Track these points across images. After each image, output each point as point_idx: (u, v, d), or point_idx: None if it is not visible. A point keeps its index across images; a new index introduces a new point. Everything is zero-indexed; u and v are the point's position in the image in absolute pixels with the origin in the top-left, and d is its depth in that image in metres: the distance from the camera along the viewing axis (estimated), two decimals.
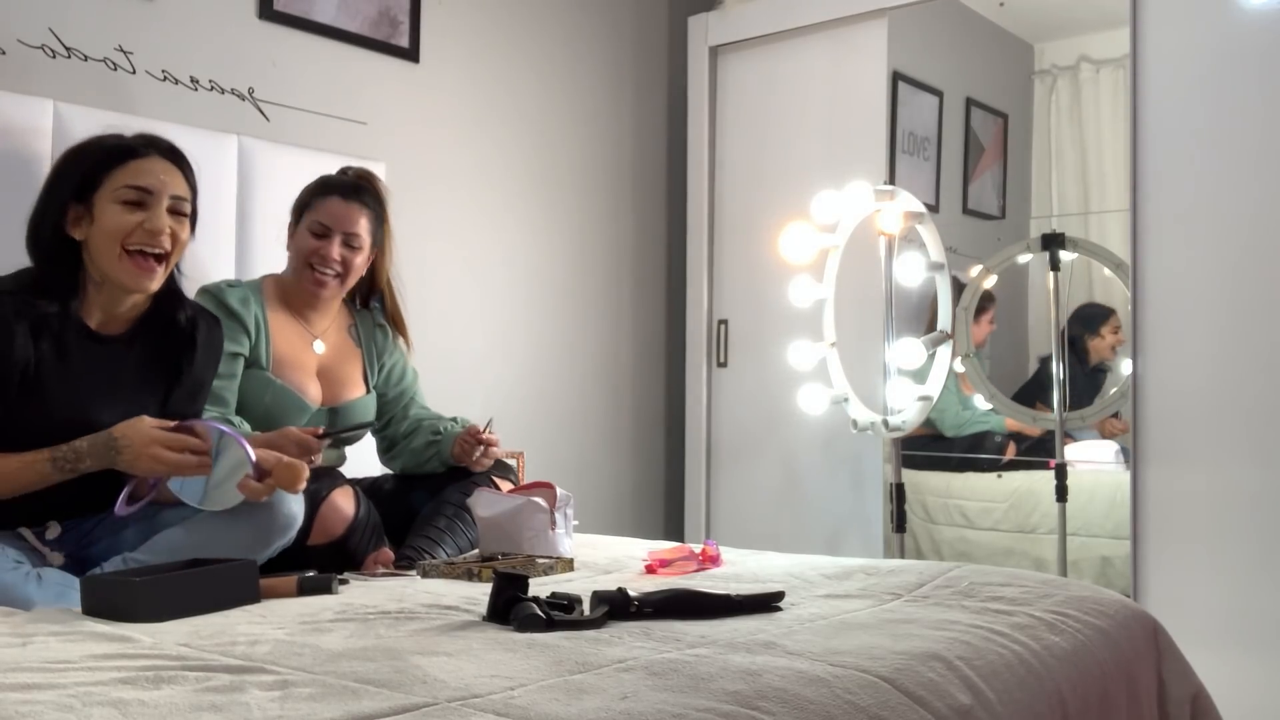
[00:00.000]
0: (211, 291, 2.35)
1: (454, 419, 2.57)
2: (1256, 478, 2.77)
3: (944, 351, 3.09)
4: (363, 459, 2.65)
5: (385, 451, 2.61)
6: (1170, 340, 2.90)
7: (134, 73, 2.63)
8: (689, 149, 3.86)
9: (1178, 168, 2.90)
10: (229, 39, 2.81)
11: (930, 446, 3.50)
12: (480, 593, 1.79)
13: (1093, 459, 3.26)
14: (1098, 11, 3.27)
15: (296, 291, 2.45)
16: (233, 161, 2.68)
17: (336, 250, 2.41)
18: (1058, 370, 3.30)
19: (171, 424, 1.88)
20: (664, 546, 2.33)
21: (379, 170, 2.93)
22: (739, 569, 2.15)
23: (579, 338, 3.70)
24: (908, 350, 3.09)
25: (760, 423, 3.67)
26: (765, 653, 1.44)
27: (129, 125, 2.47)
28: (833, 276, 3.31)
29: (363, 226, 2.45)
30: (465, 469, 2.50)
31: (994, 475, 3.47)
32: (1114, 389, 3.23)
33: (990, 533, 3.45)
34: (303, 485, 1.95)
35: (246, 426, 2.27)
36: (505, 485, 2.48)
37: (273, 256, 2.62)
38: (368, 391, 2.53)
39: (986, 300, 3.47)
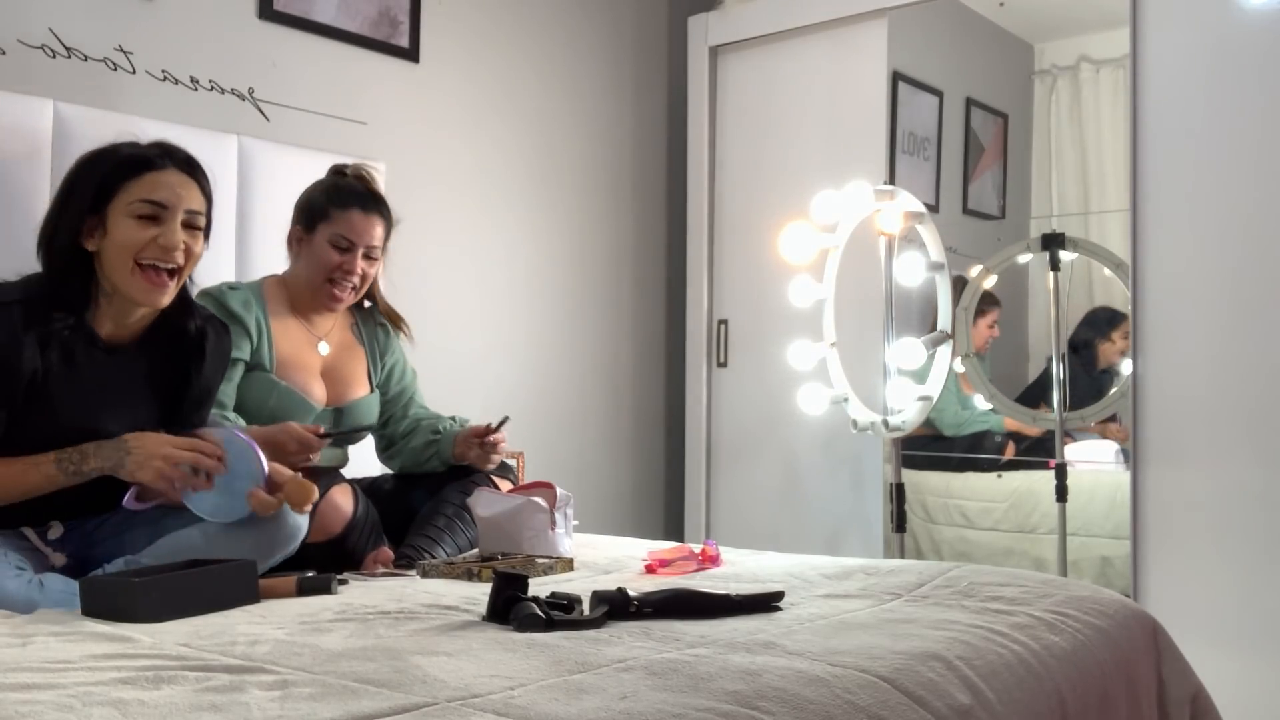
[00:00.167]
0: (213, 294, 2.33)
1: (453, 418, 2.57)
2: (1257, 478, 2.77)
3: (944, 351, 3.09)
4: (363, 458, 2.65)
5: (384, 450, 2.61)
6: (1170, 340, 2.90)
7: (134, 73, 2.63)
8: (689, 149, 3.86)
9: (1178, 168, 2.90)
10: (229, 39, 2.81)
11: (930, 446, 3.50)
12: (480, 593, 1.79)
13: (1093, 459, 3.26)
14: (1098, 11, 3.27)
15: (305, 296, 2.44)
16: (233, 161, 2.68)
17: (359, 264, 2.42)
18: (1058, 370, 3.30)
19: (180, 441, 1.88)
20: (664, 546, 2.33)
21: (379, 170, 2.93)
22: (739, 569, 2.15)
23: (579, 338, 3.70)
24: (908, 350, 3.10)
25: (760, 423, 3.67)
26: (765, 653, 1.44)
27: (129, 125, 2.48)
28: (833, 276, 3.31)
29: (379, 236, 2.45)
30: (465, 468, 2.49)
31: (994, 475, 3.47)
32: (1114, 389, 3.22)
33: (990, 533, 3.45)
34: (310, 506, 1.96)
35: (241, 422, 2.27)
36: (505, 485, 2.48)
37: (272, 256, 2.62)
38: (372, 390, 2.53)
39: (989, 304, 3.46)
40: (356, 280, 2.43)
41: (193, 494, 1.88)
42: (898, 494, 3.20)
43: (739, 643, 1.50)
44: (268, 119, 2.87)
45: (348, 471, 2.47)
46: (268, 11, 2.87)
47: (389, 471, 2.70)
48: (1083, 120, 3.46)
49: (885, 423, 3.16)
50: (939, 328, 3.10)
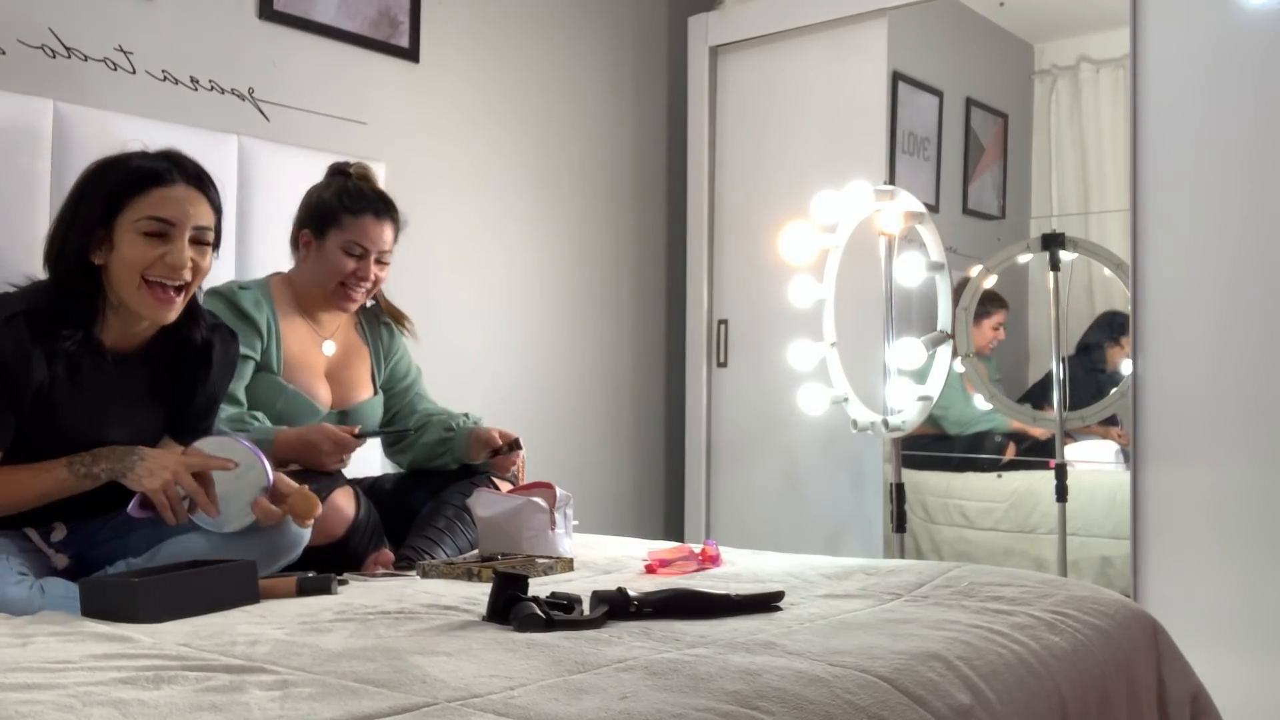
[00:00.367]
0: (223, 294, 2.33)
1: (465, 415, 2.56)
2: (1256, 478, 2.77)
3: (944, 351, 3.09)
4: (363, 458, 2.65)
5: (391, 444, 2.61)
6: (1170, 340, 2.90)
7: (134, 73, 2.63)
8: (689, 149, 3.86)
9: (1178, 168, 2.90)
10: (229, 39, 2.81)
11: (930, 446, 3.50)
12: (480, 593, 1.79)
13: (1093, 459, 3.26)
14: (1098, 11, 3.27)
15: (313, 297, 2.44)
16: (233, 161, 2.68)
17: (373, 270, 2.42)
18: (1057, 371, 3.30)
19: (191, 459, 1.87)
20: (664, 546, 2.33)
21: (379, 170, 2.92)
22: (739, 569, 2.16)
23: (579, 338, 3.70)
24: (908, 350, 3.10)
25: (760, 423, 3.67)
26: (765, 653, 1.44)
27: (129, 126, 2.49)
28: (833, 276, 3.31)
29: (390, 240, 2.46)
30: (466, 469, 2.50)
31: (994, 475, 3.47)
32: (1114, 389, 3.22)
33: (990, 533, 3.45)
34: (313, 520, 1.96)
35: (268, 421, 2.27)
36: (505, 486, 2.48)
37: (273, 256, 2.62)
38: (375, 393, 2.53)
39: (995, 305, 3.46)
40: (369, 285, 2.43)
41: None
42: (898, 494, 3.20)
43: (739, 643, 1.50)
44: (268, 119, 2.87)
45: (349, 471, 2.47)
46: (268, 11, 2.87)
47: (389, 471, 2.70)
48: (1083, 120, 3.46)
49: (885, 423, 3.16)
50: (939, 328, 3.10)
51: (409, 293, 2.82)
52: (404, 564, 2.21)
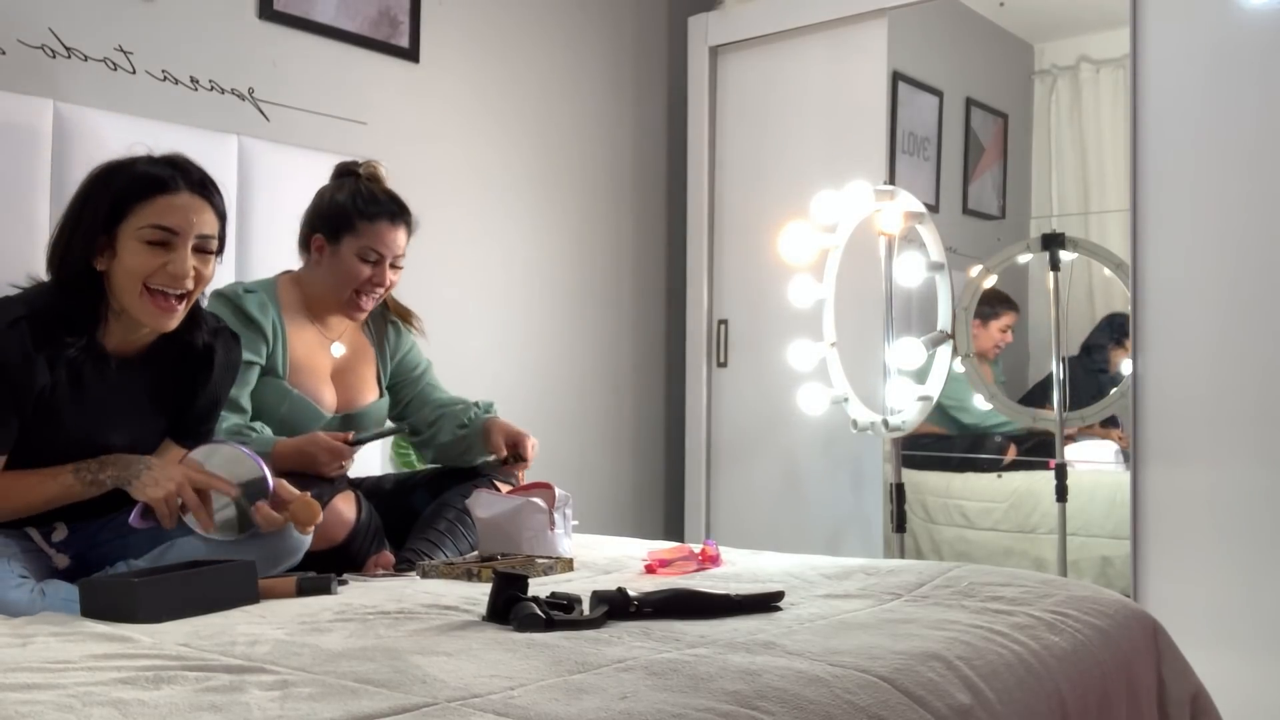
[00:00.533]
0: (228, 296, 2.31)
1: (477, 404, 2.54)
2: (1256, 478, 2.77)
3: (944, 351, 3.09)
4: (364, 458, 2.65)
5: (410, 436, 2.60)
6: (1170, 340, 2.90)
7: (134, 73, 2.63)
8: (689, 149, 3.86)
9: (1178, 168, 2.90)
10: (229, 39, 2.81)
11: (931, 446, 3.50)
12: (480, 593, 1.79)
13: (1093, 459, 3.26)
14: (1098, 11, 3.27)
15: (323, 300, 2.42)
16: (233, 161, 2.68)
17: (388, 275, 2.41)
18: (1057, 371, 3.30)
19: (196, 475, 1.87)
20: (664, 546, 2.33)
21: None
22: (739, 569, 2.15)
23: (579, 338, 3.70)
24: (908, 350, 3.10)
25: (760, 423, 3.67)
26: (765, 653, 1.44)
27: (129, 126, 2.49)
28: (833, 276, 3.31)
29: (404, 244, 2.44)
30: (467, 470, 2.49)
31: (994, 475, 3.47)
32: (1114, 390, 3.22)
33: (990, 533, 3.45)
34: (314, 527, 1.96)
35: (268, 431, 2.26)
36: (504, 487, 2.47)
37: (273, 256, 2.62)
38: (381, 395, 2.52)
39: (1004, 307, 3.45)
40: (382, 291, 2.42)
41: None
42: (898, 494, 3.20)
43: (739, 643, 1.50)
44: (268, 119, 2.87)
45: (351, 471, 2.46)
46: (268, 11, 2.87)
47: (389, 472, 2.70)
48: (1083, 120, 3.46)
49: (885, 423, 3.16)
50: (939, 328, 3.10)
51: (409, 293, 2.82)
52: (404, 566, 2.21)
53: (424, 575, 2.12)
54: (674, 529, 3.89)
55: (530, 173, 3.55)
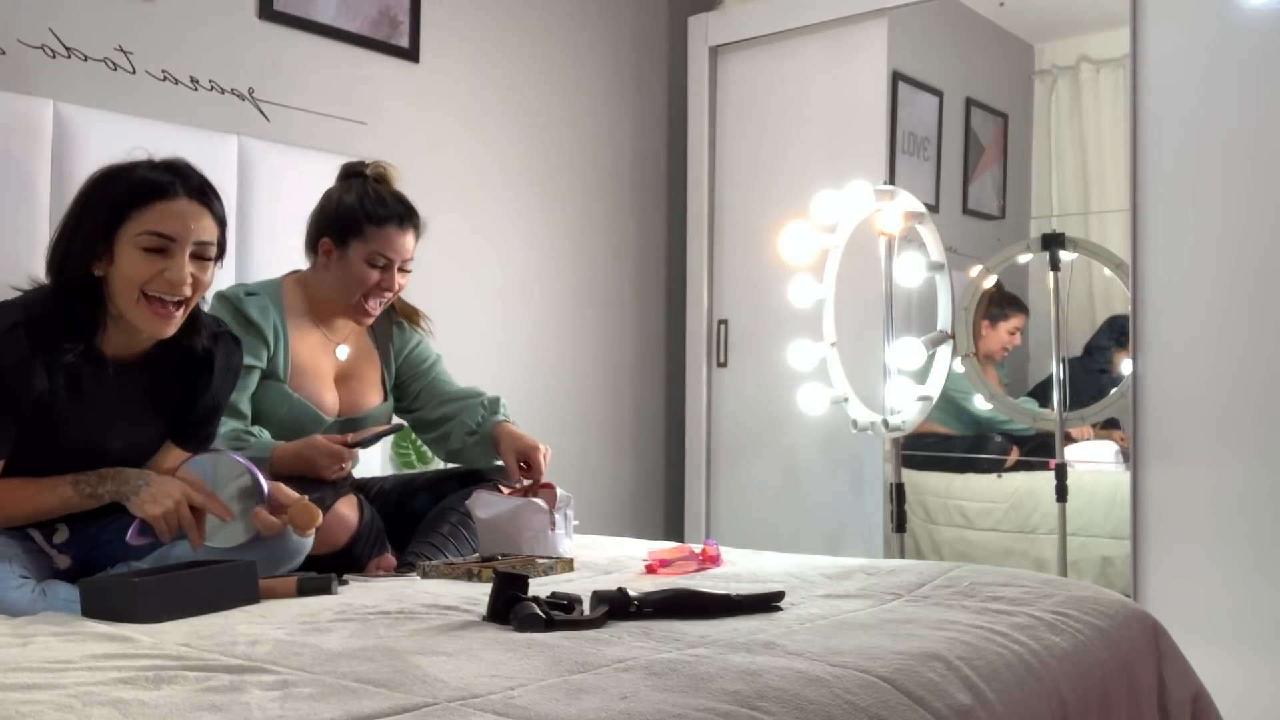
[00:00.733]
0: (230, 299, 2.30)
1: (484, 403, 2.51)
2: (1256, 477, 2.77)
3: (944, 351, 3.09)
4: (365, 459, 2.64)
5: (421, 431, 2.58)
6: (1170, 340, 2.90)
7: (134, 73, 2.63)
8: (689, 149, 3.86)
9: (1178, 168, 2.90)
10: (229, 39, 2.81)
11: (931, 446, 3.50)
12: (480, 593, 1.78)
13: (1093, 459, 3.26)
14: (1098, 11, 3.27)
15: (329, 303, 2.40)
16: (233, 161, 2.68)
17: (397, 280, 2.39)
18: (1057, 371, 3.30)
19: (195, 494, 1.86)
20: (664, 546, 2.33)
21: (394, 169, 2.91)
22: (739, 569, 2.15)
23: (579, 338, 3.70)
24: (908, 350, 3.10)
25: (760, 423, 3.67)
26: (765, 653, 1.44)
27: (129, 126, 2.49)
28: (833, 276, 3.31)
29: (413, 248, 2.41)
30: (470, 473, 2.48)
31: (994, 475, 3.47)
32: (1114, 390, 3.22)
33: (990, 533, 3.45)
34: (314, 530, 1.95)
35: (267, 435, 2.26)
36: (505, 488, 2.46)
37: (273, 257, 2.62)
38: (385, 399, 2.51)
39: (1013, 309, 3.45)
40: (391, 296, 2.40)
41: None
42: (898, 494, 3.20)
43: (739, 643, 1.50)
44: (268, 119, 2.87)
45: (355, 471, 2.45)
46: (268, 11, 2.87)
47: (391, 473, 2.70)
48: (1083, 120, 3.46)
49: (885, 423, 3.16)
50: (939, 328, 3.10)
51: (408, 293, 2.82)
52: (406, 569, 2.20)
53: (424, 575, 2.11)
54: (674, 529, 3.89)
55: (530, 173, 3.55)
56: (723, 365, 3.78)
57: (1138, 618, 1.94)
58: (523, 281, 3.53)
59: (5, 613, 1.69)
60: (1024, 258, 3.44)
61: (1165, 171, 2.92)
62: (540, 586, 1.80)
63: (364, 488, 2.44)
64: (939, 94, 3.62)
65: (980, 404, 3.44)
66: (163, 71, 2.69)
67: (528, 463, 2.40)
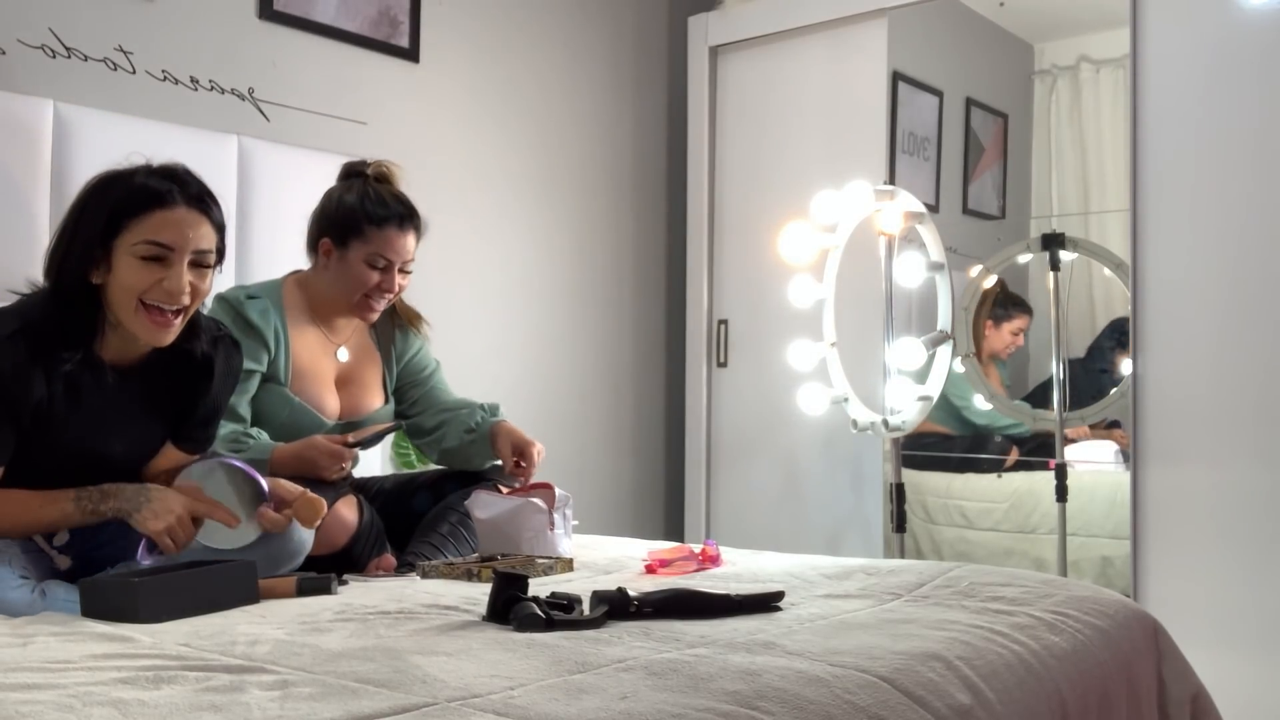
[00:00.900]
0: (230, 302, 2.29)
1: (483, 406, 2.52)
2: (1257, 478, 2.77)
3: (944, 351, 3.09)
4: (365, 459, 2.64)
5: (416, 436, 2.58)
6: (1170, 340, 2.90)
7: (134, 73, 2.63)
8: (689, 149, 3.86)
9: (1178, 168, 2.90)
10: (229, 39, 2.81)
11: (931, 446, 3.50)
12: (480, 593, 1.78)
13: (1093, 459, 3.26)
14: (1098, 11, 3.27)
15: (330, 304, 2.40)
16: (233, 161, 2.68)
17: (397, 281, 2.38)
18: (1057, 370, 3.30)
19: (197, 504, 1.85)
20: (664, 546, 2.33)
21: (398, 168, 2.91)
22: (739, 569, 2.15)
23: (579, 338, 3.70)
24: (908, 350, 3.10)
25: (760, 423, 3.67)
26: (765, 653, 1.44)
27: (129, 126, 2.49)
28: (833, 276, 3.31)
29: (414, 249, 2.40)
30: (469, 473, 2.48)
31: (994, 475, 3.47)
32: (1114, 390, 3.22)
33: (990, 533, 3.45)
34: (319, 521, 1.95)
35: (265, 437, 2.25)
36: (505, 488, 2.46)
37: (273, 257, 2.62)
38: (386, 401, 2.50)
39: (1017, 310, 3.45)
40: (392, 295, 2.40)
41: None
42: (898, 494, 3.20)
43: (739, 643, 1.50)
44: (268, 119, 2.87)
45: (356, 471, 2.45)
46: (268, 11, 2.87)
47: (390, 473, 2.69)
48: (1083, 120, 3.46)
49: (885, 423, 3.16)
50: (939, 328, 3.10)
51: (408, 293, 2.82)
52: (406, 569, 2.20)
53: (424, 575, 2.11)
54: (674, 529, 3.89)
55: (530, 172, 3.55)
56: (723, 365, 3.78)
57: (1137, 618, 1.94)
58: (523, 281, 3.53)
59: (4, 613, 1.69)
60: (1024, 258, 3.45)
61: (1165, 171, 2.92)
62: (540, 586, 1.80)
63: (363, 488, 2.44)
64: (939, 94, 3.62)
65: (980, 404, 3.44)
66: (163, 71, 2.69)
67: (523, 456, 2.41)
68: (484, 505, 2.27)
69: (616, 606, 1.64)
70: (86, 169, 2.26)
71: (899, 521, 3.20)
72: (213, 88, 2.77)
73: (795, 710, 1.24)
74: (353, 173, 2.46)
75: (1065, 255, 3.31)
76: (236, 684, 1.25)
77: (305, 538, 1.99)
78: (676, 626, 1.59)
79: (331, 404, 2.38)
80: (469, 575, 2.06)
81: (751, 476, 3.69)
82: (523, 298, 3.53)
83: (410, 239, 2.39)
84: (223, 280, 2.46)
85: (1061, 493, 3.19)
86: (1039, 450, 3.35)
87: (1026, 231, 3.53)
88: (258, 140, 2.76)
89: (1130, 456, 2.95)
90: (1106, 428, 3.23)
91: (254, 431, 2.25)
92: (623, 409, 3.83)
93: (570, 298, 3.67)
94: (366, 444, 2.34)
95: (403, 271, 2.40)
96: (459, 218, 3.34)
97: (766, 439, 3.66)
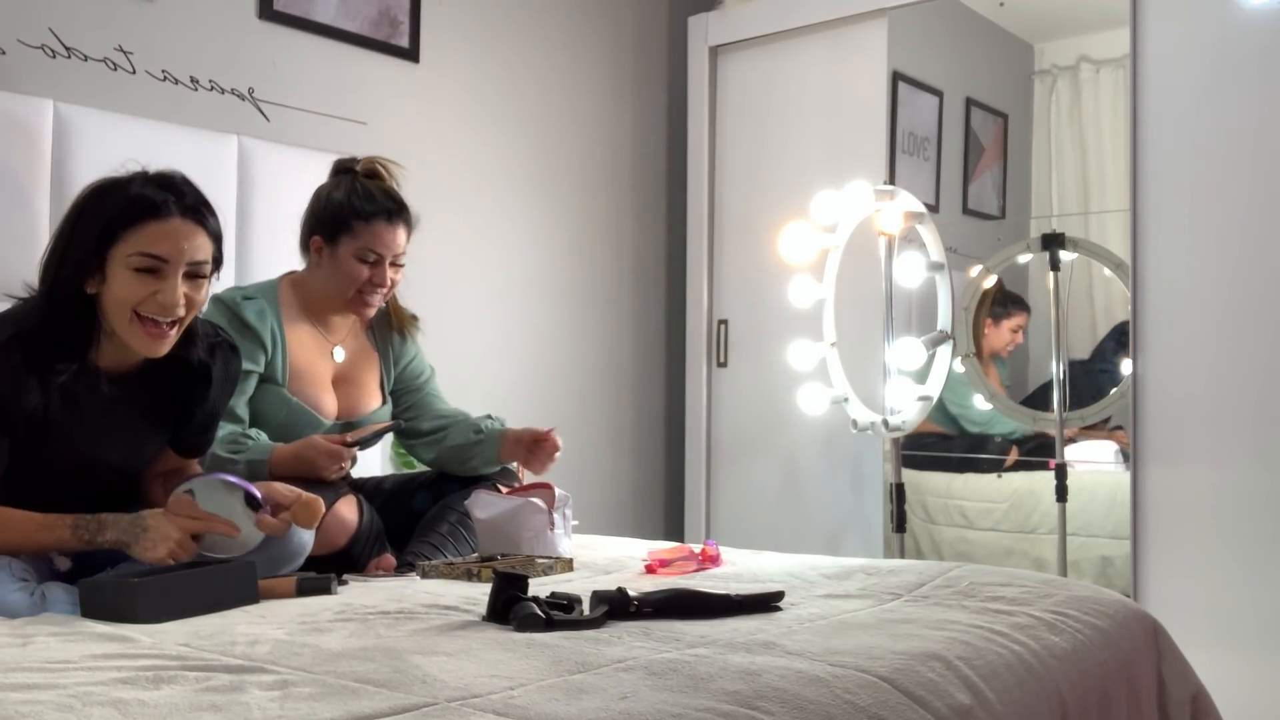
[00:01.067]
0: (226, 303, 2.29)
1: (489, 416, 2.52)
2: (1256, 478, 2.77)
3: (944, 351, 3.09)
4: (365, 459, 2.64)
5: (410, 438, 2.57)
6: (1170, 340, 2.90)
7: (134, 73, 2.63)
8: (689, 149, 3.86)
9: (1178, 168, 2.90)
10: (229, 39, 2.81)
11: (931, 446, 3.50)
12: (480, 593, 1.78)
13: (1093, 459, 3.26)
14: (1098, 11, 3.27)
15: (324, 302, 2.40)
16: (233, 161, 2.68)
17: (388, 275, 2.38)
18: (1057, 370, 3.30)
19: (194, 523, 1.83)
20: (664, 546, 2.33)
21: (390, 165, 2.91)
22: (739, 569, 2.15)
23: (579, 338, 3.70)
24: (908, 350, 3.10)
25: (760, 423, 3.67)
26: (765, 653, 1.44)
27: (129, 126, 2.49)
28: (833, 276, 3.31)
29: (404, 243, 2.41)
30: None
31: (994, 475, 3.47)
32: (1114, 390, 3.22)
33: (990, 533, 3.45)
34: (318, 522, 1.95)
35: (264, 437, 2.25)
36: (504, 488, 2.46)
37: (273, 257, 2.62)
38: (384, 402, 2.50)
39: (1016, 307, 3.45)
40: (386, 290, 2.40)
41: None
42: (897, 494, 3.20)
43: (739, 643, 1.50)
44: (268, 119, 2.87)
45: (355, 471, 2.45)
46: (268, 11, 2.87)
47: (390, 473, 2.69)
48: (1083, 120, 3.46)
49: (885, 423, 3.16)
50: (939, 328, 3.10)
51: (409, 293, 2.82)
52: (406, 569, 2.20)
53: (424, 575, 2.11)
54: (674, 529, 3.89)
55: (530, 173, 3.55)
56: (723, 365, 3.78)
57: (1137, 618, 1.94)
58: (523, 281, 3.53)
59: (4, 614, 1.68)
60: (1024, 258, 3.44)
61: (1165, 171, 2.92)
62: (540, 586, 1.80)
63: (363, 487, 2.44)
64: (939, 94, 3.62)
65: (980, 404, 3.44)
66: (163, 71, 2.69)
67: (539, 440, 2.42)
68: (484, 505, 2.27)
69: (616, 606, 1.64)
70: (86, 169, 2.26)
71: (899, 521, 3.20)
72: (213, 88, 2.77)
73: (795, 710, 1.24)
74: (342, 170, 2.47)
75: (1065, 255, 3.31)
76: (236, 684, 1.25)
77: (305, 539, 1.99)
78: (676, 626, 1.59)
79: (329, 404, 2.38)
80: (469, 575, 2.06)
81: (751, 476, 3.69)
82: (523, 298, 3.53)
83: (400, 233, 2.40)
84: (222, 280, 2.46)
85: (1061, 493, 3.19)
86: (1039, 450, 3.35)
87: (1026, 231, 3.53)
88: (258, 140, 2.76)
89: (1130, 456, 2.95)
90: (1111, 431, 3.23)
91: (253, 432, 2.25)
92: (623, 409, 3.83)
93: (570, 298, 3.67)
94: (365, 444, 2.34)
95: (394, 265, 2.40)
96: (459, 218, 3.34)
97: (766, 439, 3.66)
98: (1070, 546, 3.18)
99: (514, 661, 1.37)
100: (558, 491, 2.34)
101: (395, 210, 2.40)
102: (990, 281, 3.42)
